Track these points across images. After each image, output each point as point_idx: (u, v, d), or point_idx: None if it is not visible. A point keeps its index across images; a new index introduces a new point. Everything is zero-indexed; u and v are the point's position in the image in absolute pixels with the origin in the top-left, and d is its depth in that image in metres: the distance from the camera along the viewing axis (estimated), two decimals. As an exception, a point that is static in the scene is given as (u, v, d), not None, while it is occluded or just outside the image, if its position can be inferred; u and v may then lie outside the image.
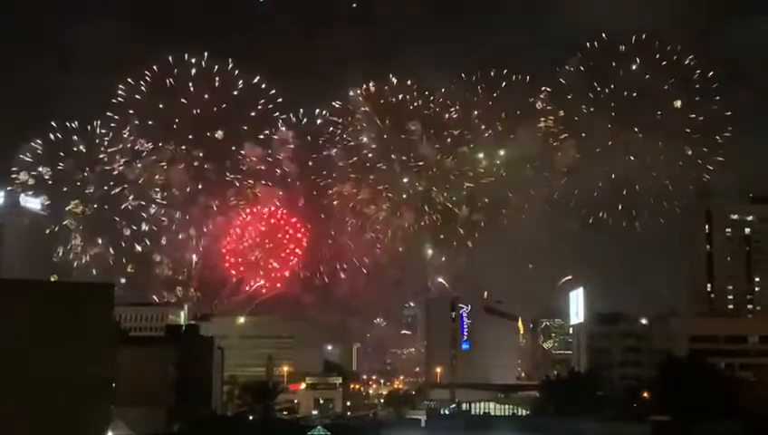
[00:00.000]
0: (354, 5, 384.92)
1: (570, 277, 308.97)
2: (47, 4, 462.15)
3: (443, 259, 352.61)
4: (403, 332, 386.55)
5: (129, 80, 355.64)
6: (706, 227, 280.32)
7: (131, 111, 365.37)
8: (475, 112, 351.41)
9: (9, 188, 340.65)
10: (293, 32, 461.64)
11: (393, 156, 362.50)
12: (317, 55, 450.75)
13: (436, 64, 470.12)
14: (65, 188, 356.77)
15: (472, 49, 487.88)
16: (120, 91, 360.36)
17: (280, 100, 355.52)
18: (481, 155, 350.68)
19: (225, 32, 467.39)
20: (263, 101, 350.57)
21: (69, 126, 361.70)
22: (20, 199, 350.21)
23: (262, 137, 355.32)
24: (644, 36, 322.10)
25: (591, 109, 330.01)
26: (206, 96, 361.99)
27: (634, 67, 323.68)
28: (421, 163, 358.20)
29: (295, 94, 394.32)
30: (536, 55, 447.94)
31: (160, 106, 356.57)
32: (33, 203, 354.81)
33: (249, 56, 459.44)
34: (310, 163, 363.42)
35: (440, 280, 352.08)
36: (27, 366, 64.37)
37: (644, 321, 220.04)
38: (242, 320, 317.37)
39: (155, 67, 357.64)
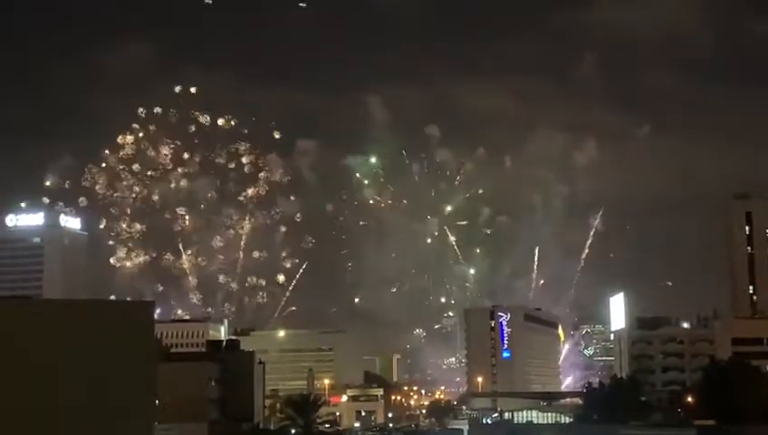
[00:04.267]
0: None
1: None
2: (78, 24, 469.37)
3: (471, 267, 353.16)
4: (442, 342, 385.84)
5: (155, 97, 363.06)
6: (747, 228, 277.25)
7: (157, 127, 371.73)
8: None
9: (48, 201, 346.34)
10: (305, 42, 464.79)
11: (413, 162, 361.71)
12: (331, 64, 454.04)
13: (450, 68, 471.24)
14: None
15: (488, 50, 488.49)
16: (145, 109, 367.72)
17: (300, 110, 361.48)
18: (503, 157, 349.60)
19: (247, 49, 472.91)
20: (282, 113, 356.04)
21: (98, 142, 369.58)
22: (60, 219, 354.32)
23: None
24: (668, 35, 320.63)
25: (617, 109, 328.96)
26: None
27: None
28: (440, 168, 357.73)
29: (314, 104, 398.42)
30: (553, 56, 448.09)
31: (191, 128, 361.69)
32: (72, 222, 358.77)
33: (265, 70, 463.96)
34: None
35: (471, 288, 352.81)
36: (68, 386, 64.95)
37: (685, 325, 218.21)
38: (281, 334, 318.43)
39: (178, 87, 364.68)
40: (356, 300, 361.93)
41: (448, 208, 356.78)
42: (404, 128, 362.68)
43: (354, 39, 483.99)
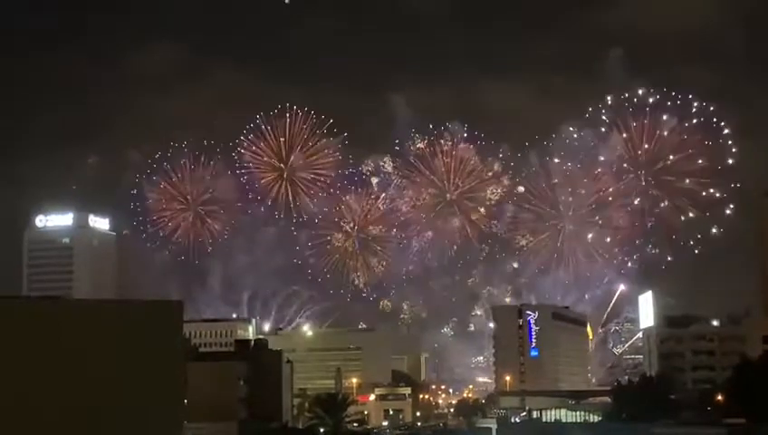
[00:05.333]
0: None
1: None
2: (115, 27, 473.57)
3: (499, 265, 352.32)
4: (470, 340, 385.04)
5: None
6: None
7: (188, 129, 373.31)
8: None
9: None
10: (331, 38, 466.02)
11: (436, 159, 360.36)
12: (360, 62, 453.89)
13: (473, 65, 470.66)
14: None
15: (513, 47, 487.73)
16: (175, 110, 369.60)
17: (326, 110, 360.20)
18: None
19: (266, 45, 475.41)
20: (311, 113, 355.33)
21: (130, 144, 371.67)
22: (89, 220, 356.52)
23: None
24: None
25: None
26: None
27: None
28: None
29: (341, 105, 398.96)
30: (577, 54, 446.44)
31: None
32: (101, 223, 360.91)
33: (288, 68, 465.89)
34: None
35: (503, 288, 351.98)
36: (97, 386, 65.33)
37: (715, 323, 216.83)
38: (309, 333, 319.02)
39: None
40: (383, 299, 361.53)
41: (473, 206, 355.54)
42: (427, 125, 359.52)
43: (376, 36, 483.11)
